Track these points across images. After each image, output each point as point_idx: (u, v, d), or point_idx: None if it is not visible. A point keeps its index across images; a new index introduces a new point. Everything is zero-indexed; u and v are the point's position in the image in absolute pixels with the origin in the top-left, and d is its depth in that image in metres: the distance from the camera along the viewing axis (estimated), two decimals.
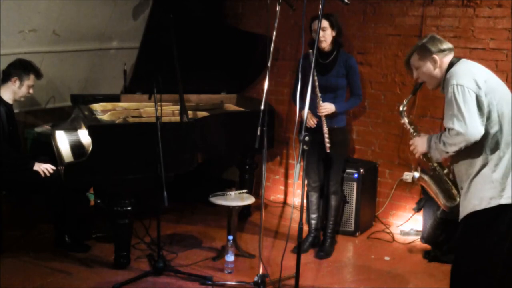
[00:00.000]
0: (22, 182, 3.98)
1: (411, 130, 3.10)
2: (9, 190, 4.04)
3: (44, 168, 3.94)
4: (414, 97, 3.13)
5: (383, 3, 4.74)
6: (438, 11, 4.47)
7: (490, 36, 4.25)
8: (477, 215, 2.73)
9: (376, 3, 4.77)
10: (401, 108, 3.15)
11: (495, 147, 2.68)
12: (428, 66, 2.86)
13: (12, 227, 4.33)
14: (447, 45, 2.87)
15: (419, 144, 2.95)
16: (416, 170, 3.04)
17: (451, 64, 2.82)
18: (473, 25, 4.32)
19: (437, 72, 2.85)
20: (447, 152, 2.76)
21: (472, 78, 2.68)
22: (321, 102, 4.02)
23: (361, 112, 4.97)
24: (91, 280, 3.70)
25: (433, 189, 3.02)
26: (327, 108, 4.03)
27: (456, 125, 2.65)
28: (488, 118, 2.68)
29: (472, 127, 2.62)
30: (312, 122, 4.07)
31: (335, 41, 4.08)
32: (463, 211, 2.80)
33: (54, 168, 3.97)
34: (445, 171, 3.00)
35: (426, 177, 3.02)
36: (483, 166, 2.71)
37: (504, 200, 2.67)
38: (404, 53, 4.32)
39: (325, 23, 3.99)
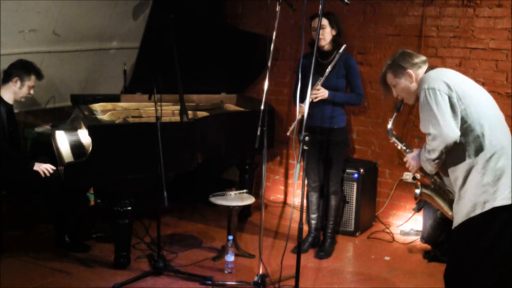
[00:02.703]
0: (22, 182, 3.98)
1: (403, 148, 3.05)
2: (9, 190, 4.04)
3: (44, 168, 3.94)
4: (399, 113, 3.09)
5: (383, 3, 4.74)
6: (438, 11, 4.47)
7: (490, 36, 4.25)
8: (471, 221, 2.71)
9: (376, 3, 4.77)
10: (388, 127, 3.08)
11: (479, 150, 2.66)
12: (404, 82, 2.85)
13: (12, 227, 4.33)
14: (419, 58, 2.85)
15: (413, 160, 2.92)
16: (416, 186, 2.99)
17: (425, 74, 2.81)
18: (473, 25, 4.32)
19: (414, 86, 2.83)
20: (433, 160, 2.72)
21: (442, 81, 2.67)
22: (318, 86, 4.00)
23: (361, 112, 4.97)
24: (91, 280, 3.70)
25: (437, 202, 2.98)
26: (320, 93, 4.00)
27: (431, 129, 2.64)
28: (466, 122, 2.66)
29: (446, 128, 2.60)
30: (302, 109, 3.86)
31: (334, 40, 4.08)
32: (457, 219, 2.77)
33: (54, 168, 3.97)
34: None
35: (428, 191, 2.97)
36: (469, 171, 2.68)
37: (499, 202, 2.64)
38: None
39: (324, 21, 3.98)
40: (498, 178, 2.65)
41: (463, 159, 2.69)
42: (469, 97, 2.67)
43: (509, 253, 2.72)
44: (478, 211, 2.67)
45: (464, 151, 2.68)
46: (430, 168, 2.81)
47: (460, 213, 2.75)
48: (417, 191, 2.98)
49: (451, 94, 2.64)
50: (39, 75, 4.16)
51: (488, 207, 2.65)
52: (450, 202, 2.92)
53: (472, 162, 2.68)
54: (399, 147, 3.09)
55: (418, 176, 3.01)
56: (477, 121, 2.66)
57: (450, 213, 2.92)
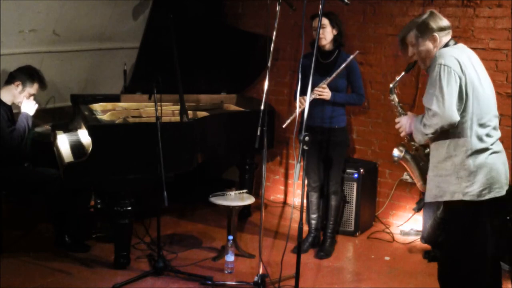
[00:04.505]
0: (22, 182, 3.98)
1: (398, 108, 3.05)
2: (9, 190, 4.04)
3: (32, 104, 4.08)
4: (407, 76, 3.09)
5: (383, 3, 4.74)
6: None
7: (490, 36, 4.25)
8: (454, 216, 2.76)
9: (376, 3, 4.77)
10: (391, 85, 3.09)
11: (463, 143, 2.67)
12: (427, 44, 2.79)
13: (12, 227, 4.33)
14: (446, 22, 2.81)
15: (406, 124, 2.90)
16: (398, 149, 3.00)
17: (446, 45, 2.78)
18: (473, 25, 4.32)
19: (435, 51, 2.79)
20: (426, 134, 2.72)
21: (459, 63, 2.65)
22: (324, 84, 4.00)
23: (361, 112, 4.97)
24: (91, 280, 3.70)
25: (413, 170, 3.00)
26: (325, 92, 3.99)
27: (434, 106, 2.62)
28: (464, 110, 2.65)
29: (449, 109, 2.59)
30: (302, 102, 3.87)
31: (335, 40, 4.08)
32: (426, 196, 2.84)
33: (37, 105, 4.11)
34: (426, 151, 2.95)
35: (408, 157, 2.98)
36: (446, 159, 2.70)
37: (467, 197, 2.67)
38: None
39: (324, 21, 3.98)
40: (475, 174, 2.66)
41: (443, 145, 2.71)
42: (474, 88, 2.66)
43: (493, 246, 2.74)
44: (446, 198, 2.73)
45: (448, 137, 2.69)
46: (420, 139, 2.80)
47: (429, 192, 2.81)
48: (398, 153, 2.98)
49: (463, 79, 2.63)
50: (43, 85, 4.16)
51: (456, 197, 2.69)
52: (424, 173, 2.94)
53: (451, 152, 2.70)
54: (394, 106, 3.09)
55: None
56: (471, 115, 2.66)
57: (419, 183, 2.95)
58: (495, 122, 2.75)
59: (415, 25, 2.82)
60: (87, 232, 4.36)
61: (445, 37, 2.79)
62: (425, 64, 2.87)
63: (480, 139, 2.67)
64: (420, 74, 4.56)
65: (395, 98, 3.09)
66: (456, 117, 2.61)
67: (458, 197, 2.69)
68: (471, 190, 2.67)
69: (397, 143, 3.21)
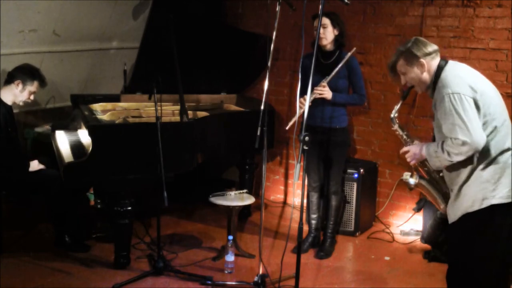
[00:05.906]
0: (22, 182, 3.98)
1: (404, 137, 3.04)
2: (9, 190, 4.04)
3: (37, 168, 3.99)
4: (404, 102, 3.08)
5: (383, 3, 4.74)
6: (438, 11, 4.47)
7: (490, 36, 4.25)
8: (469, 217, 2.71)
9: (376, 3, 4.77)
10: (392, 115, 3.07)
11: (486, 150, 2.64)
12: (416, 71, 2.81)
13: (12, 227, 4.33)
14: (432, 47, 2.81)
15: (416, 152, 2.89)
16: (412, 176, 2.98)
17: (440, 68, 2.77)
18: (473, 25, 4.32)
19: (425, 76, 2.80)
20: (452, 161, 2.70)
21: (465, 83, 2.64)
22: (324, 83, 3.98)
23: (361, 112, 4.97)
24: (91, 280, 3.70)
25: (431, 194, 2.98)
26: (325, 90, 3.98)
27: (460, 135, 2.59)
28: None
29: (476, 134, 2.58)
30: (302, 103, 3.86)
31: (337, 40, 4.07)
32: (455, 214, 2.77)
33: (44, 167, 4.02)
34: (441, 174, 2.96)
35: (424, 182, 2.97)
36: (473, 170, 2.68)
37: (496, 200, 2.64)
38: None
39: (326, 21, 3.98)
40: (499, 176, 2.65)
41: (470, 161, 2.68)
42: (486, 96, 2.65)
43: (506, 250, 2.73)
44: (475, 208, 2.68)
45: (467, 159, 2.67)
46: (439, 165, 2.79)
47: (458, 208, 2.75)
48: (412, 181, 2.95)
49: (475, 96, 2.61)
50: (42, 83, 4.16)
51: (486, 204, 2.66)
52: (443, 195, 2.92)
53: (474, 166, 2.68)
54: (399, 135, 3.08)
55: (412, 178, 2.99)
56: (490, 121, 2.65)
57: (442, 205, 2.93)
58: (508, 121, 2.75)
59: (401, 54, 2.84)
60: (87, 232, 4.36)
61: (433, 61, 2.80)
62: (421, 89, 2.89)
63: (499, 141, 2.66)
64: None
65: (398, 127, 3.06)
66: (483, 139, 2.60)
67: (487, 203, 2.65)
68: (498, 192, 2.64)
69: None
